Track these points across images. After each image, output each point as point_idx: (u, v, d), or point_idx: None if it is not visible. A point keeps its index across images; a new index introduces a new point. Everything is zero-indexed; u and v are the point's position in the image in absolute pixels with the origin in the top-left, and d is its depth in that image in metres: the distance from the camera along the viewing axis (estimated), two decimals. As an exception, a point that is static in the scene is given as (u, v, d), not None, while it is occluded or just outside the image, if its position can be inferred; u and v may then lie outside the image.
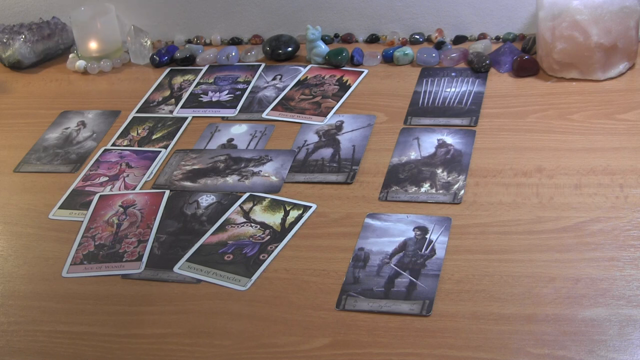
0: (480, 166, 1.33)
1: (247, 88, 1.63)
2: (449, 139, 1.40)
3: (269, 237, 1.25)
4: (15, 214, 1.38)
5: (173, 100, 1.63)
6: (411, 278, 1.13)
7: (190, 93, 1.64)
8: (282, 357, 1.05)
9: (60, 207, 1.37)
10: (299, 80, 1.63)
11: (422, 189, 1.30)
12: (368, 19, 1.73)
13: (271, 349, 1.07)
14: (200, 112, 1.58)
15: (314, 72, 1.65)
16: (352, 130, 1.46)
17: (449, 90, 1.54)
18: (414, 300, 1.10)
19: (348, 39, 1.75)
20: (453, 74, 1.58)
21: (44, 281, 1.22)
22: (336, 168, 1.37)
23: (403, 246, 1.19)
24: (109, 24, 1.77)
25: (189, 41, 1.82)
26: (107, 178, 1.43)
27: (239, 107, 1.58)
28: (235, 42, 1.80)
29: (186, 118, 1.57)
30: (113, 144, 1.53)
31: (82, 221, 1.33)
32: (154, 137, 1.53)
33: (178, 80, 1.70)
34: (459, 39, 1.69)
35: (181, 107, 1.60)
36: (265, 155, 1.43)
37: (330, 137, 1.45)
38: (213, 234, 1.27)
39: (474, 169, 1.33)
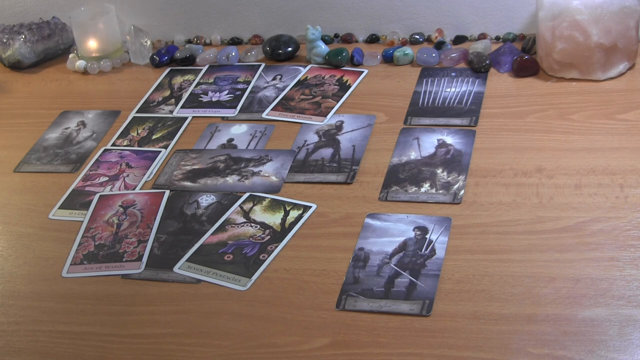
0: (480, 166, 1.33)
1: (247, 88, 1.63)
2: (449, 139, 1.40)
3: (269, 237, 1.25)
4: (15, 214, 1.38)
5: (173, 100, 1.63)
6: (411, 278, 1.13)
7: (190, 93, 1.64)
8: (282, 357, 1.05)
9: (60, 207, 1.37)
10: (299, 80, 1.63)
11: (422, 189, 1.30)
12: (368, 19, 1.73)
13: (271, 349, 1.07)
14: (200, 112, 1.58)
15: (314, 72, 1.65)
16: (352, 130, 1.46)
17: (449, 90, 1.54)
18: (414, 300, 1.10)
19: (348, 39, 1.75)
20: (453, 74, 1.58)
21: (44, 281, 1.22)
22: (336, 168, 1.37)
23: (403, 246, 1.19)
24: (109, 24, 1.77)
25: (189, 41, 1.82)
26: (107, 178, 1.43)
27: (239, 107, 1.58)
28: (235, 42, 1.80)
29: (186, 118, 1.57)
30: (113, 144, 1.52)
31: (82, 221, 1.33)
32: (154, 137, 1.53)
33: (178, 80, 1.70)
34: (459, 39, 1.69)
35: (181, 107, 1.60)
36: (265, 155, 1.43)
37: (330, 137, 1.45)
38: (213, 234, 1.27)
39: (474, 169, 1.33)
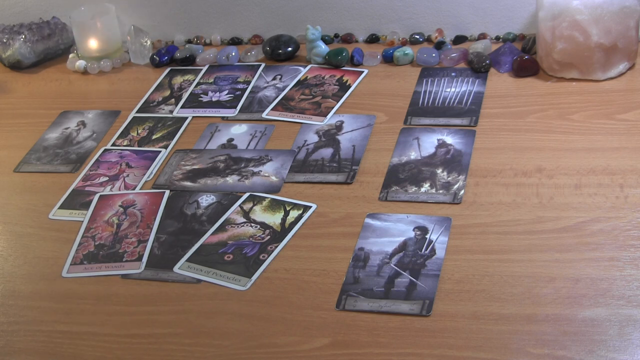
0: (480, 166, 1.33)
1: (247, 88, 1.63)
2: (449, 139, 1.40)
3: (269, 237, 1.25)
4: (15, 214, 1.38)
5: (173, 100, 1.63)
6: (411, 278, 1.13)
7: (190, 93, 1.64)
8: (282, 357, 1.05)
9: (60, 207, 1.37)
10: (299, 80, 1.63)
11: (422, 189, 1.30)
12: (368, 19, 1.73)
13: (271, 349, 1.07)
14: (200, 112, 1.58)
15: (314, 72, 1.65)
16: (352, 130, 1.46)
17: (449, 90, 1.54)
18: (414, 300, 1.10)
19: (348, 39, 1.75)
20: (453, 74, 1.58)
21: (44, 281, 1.22)
22: (336, 168, 1.37)
23: (403, 246, 1.19)
24: (109, 24, 1.77)
25: (189, 41, 1.82)
26: (107, 178, 1.43)
27: (239, 107, 1.58)
28: (235, 42, 1.80)
29: (186, 118, 1.57)
30: (113, 144, 1.52)
31: (82, 221, 1.33)
32: (154, 137, 1.53)
33: (178, 80, 1.70)
34: (459, 39, 1.69)
35: (181, 107, 1.60)
36: (265, 155, 1.43)
37: (330, 137, 1.45)
38: (213, 234, 1.27)
39: (474, 169, 1.33)
